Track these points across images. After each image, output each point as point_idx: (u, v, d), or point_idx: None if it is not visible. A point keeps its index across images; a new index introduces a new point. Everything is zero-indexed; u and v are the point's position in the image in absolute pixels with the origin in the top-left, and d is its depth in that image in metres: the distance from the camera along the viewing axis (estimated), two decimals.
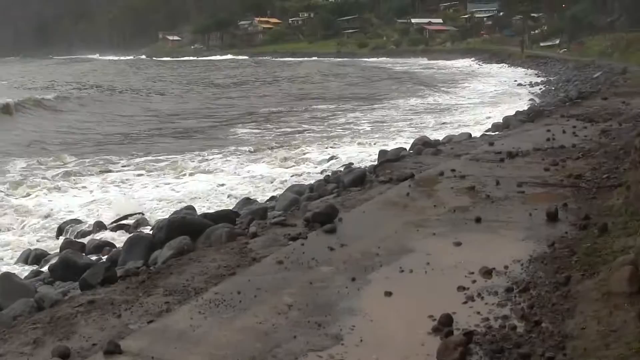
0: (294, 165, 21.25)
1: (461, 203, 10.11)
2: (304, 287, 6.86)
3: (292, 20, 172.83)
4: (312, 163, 21.46)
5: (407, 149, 19.18)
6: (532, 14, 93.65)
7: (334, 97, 48.54)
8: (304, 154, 23.26)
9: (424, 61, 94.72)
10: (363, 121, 33.26)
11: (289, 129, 31.63)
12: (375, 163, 16.62)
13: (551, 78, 53.54)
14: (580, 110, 22.55)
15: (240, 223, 10.33)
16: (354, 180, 13.14)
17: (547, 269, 7.14)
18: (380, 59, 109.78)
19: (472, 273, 7.07)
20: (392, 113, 36.70)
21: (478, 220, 9.08)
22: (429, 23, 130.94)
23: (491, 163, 13.43)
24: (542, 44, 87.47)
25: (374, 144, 24.35)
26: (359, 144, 24.94)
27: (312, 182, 15.66)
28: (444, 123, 29.68)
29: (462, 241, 8.18)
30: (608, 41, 70.00)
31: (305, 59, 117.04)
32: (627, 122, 18.88)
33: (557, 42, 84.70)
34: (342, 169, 17.61)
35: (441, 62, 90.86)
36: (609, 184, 11.09)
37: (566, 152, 14.32)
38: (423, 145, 19.31)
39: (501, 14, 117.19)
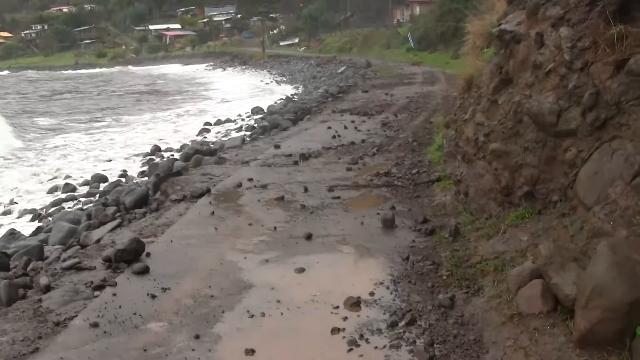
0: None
1: (278, 218, 8.68)
2: (139, 357, 4.98)
3: (25, 34, 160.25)
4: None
5: (180, 159, 17.37)
6: (270, 15, 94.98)
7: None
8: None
9: (167, 69, 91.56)
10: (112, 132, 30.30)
11: None
12: (151, 180, 14.68)
13: (297, 76, 54.05)
14: (348, 104, 22.23)
15: (15, 268, 7.99)
16: (136, 201, 11.22)
17: (421, 290, 5.96)
18: (119, 68, 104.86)
19: (337, 307, 5.67)
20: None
21: (309, 237, 7.72)
22: (168, 29, 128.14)
23: (286, 167, 12.19)
24: (282, 43, 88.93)
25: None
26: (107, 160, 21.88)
27: (83, 207, 13.26)
28: (207, 123, 27.80)
29: (303, 266, 6.77)
30: (345, 37, 72.85)
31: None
32: (401, 113, 18.75)
33: (297, 40, 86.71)
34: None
35: (185, 68, 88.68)
36: (425, 179, 10.32)
37: (359, 149, 13.51)
38: (195, 153, 17.67)
39: (239, 16, 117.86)
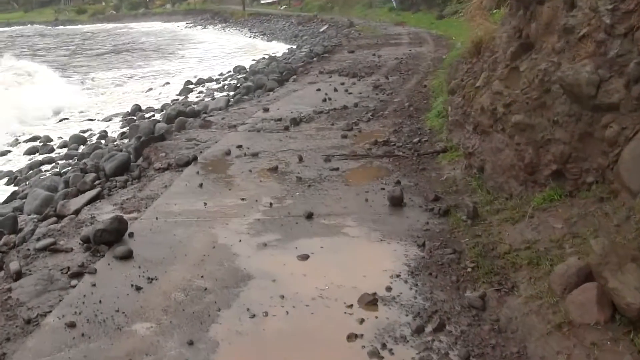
0: None
1: (273, 192, 7.91)
2: None
3: None
4: None
5: (162, 121, 16.47)
6: None
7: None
8: None
9: (146, 26, 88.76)
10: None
11: None
12: (132, 143, 13.81)
13: (279, 34, 52.76)
14: (335, 65, 21.34)
15: None
16: (117, 168, 10.46)
17: (444, 285, 5.23)
18: (101, 25, 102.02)
19: (351, 307, 4.93)
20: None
21: (309, 216, 6.95)
22: None
23: (277, 133, 11.38)
24: (262, 2, 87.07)
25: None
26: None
27: (61, 170, 12.36)
28: (188, 82, 26.67)
29: (306, 252, 6.01)
30: None
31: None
32: (392, 75, 17.93)
33: None
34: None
35: (165, 25, 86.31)
36: (429, 149, 9.57)
37: (353, 114, 12.72)
38: (178, 115, 16.76)
39: None
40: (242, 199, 7.65)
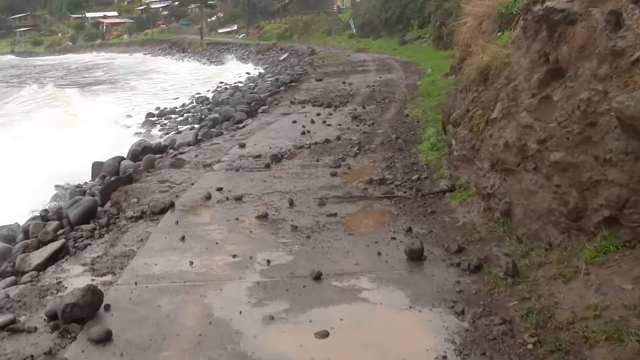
0: None
1: (268, 246, 6.85)
2: None
3: None
4: None
5: (127, 158, 15.27)
6: (209, 1, 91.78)
7: None
8: None
9: (104, 58, 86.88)
10: None
11: None
12: (95, 183, 12.65)
13: (238, 63, 51.86)
14: (305, 94, 20.42)
15: None
16: (82, 215, 9.39)
17: None
18: (58, 56, 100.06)
19: None
20: None
21: (317, 277, 5.89)
22: (104, 16, 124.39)
23: (258, 172, 10.34)
24: (220, 31, 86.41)
25: None
26: None
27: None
28: (150, 115, 25.29)
29: (324, 327, 4.95)
30: (285, 24, 70.92)
31: None
32: (368, 104, 17.07)
33: (235, 27, 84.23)
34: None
35: (121, 56, 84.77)
36: (434, 189, 8.61)
37: (337, 148, 11.75)
38: (144, 151, 15.58)
39: (177, 3, 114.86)
40: (234, 256, 6.56)
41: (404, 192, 8.61)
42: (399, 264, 6.16)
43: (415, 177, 9.27)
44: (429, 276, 5.82)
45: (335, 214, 7.79)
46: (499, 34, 8.62)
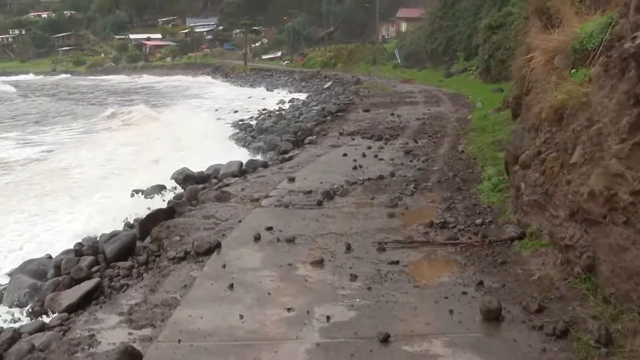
0: None
1: (326, 298, 6.34)
2: None
3: (2, 38, 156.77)
4: None
5: (171, 190, 14.92)
6: (253, 27, 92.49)
7: None
8: None
9: (144, 80, 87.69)
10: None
11: None
12: (139, 216, 12.28)
13: (281, 90, 51.75)
14: (353, 125, 19.95)
15: None
16: (120, 251, 9.00)
17: None
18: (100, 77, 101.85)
19: None
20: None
21: (385, 339, 5.32)
22: (148, 39, 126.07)
23: (310, 210, 9.85)
24: (264, 57, 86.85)
25: None
26: None
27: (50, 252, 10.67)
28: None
29: None
30: (330, 52, 70.90)
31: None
32: (420, 138, 16.53)
33: (279, 54, 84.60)
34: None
35: (163, 78, 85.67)
36: (502, 236, 8.00)
37: (392, 185, 11.22)
38: (186, 179, 15.23)
39: (221, 27, 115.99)
40: (289, 309, 6.03)
41: (469, 238, 8.02)
42: (475, 324, 5.57)
43: (479, 221, 8.66)
44: (510, 341, 5.22)
45: (397, 262, 7.23)
46: (573, 70, 8.03)
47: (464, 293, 6.24)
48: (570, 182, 6.82)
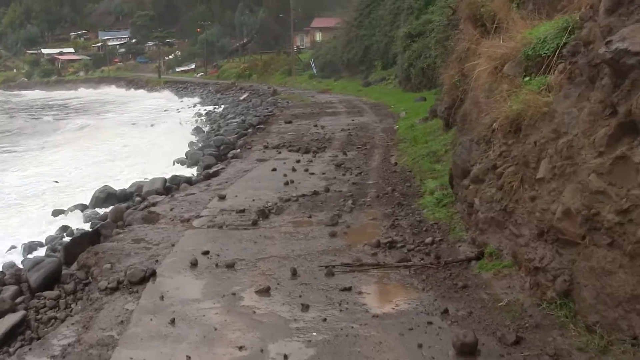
0: None
1: (280, 334, 5.65)
2: None
3: None
4: None
5: (90, 206, 13.93)
6: (166, 40, 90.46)
7: None
8: None
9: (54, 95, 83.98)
10: None
11: None
12: (57, 236, 11.34)
13: (196, 102, 50.57)
14: (277, 138, 19.28)
15: None
16: (45, 279, 8.06)
17: None
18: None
19: None
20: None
21: None
22: (61, 53, 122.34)
23: (245, 230, 9.13)
24: (178, 69, 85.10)
25: None
26: None
27: None
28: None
29: None
30: (244, 63, 70.10)
31: None
32: (348, 150, 16.03)
33: (193, 66, 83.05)
34: None
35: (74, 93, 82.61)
36: (458, 256, 7.46)
37: (328, 201, 10.61)
38: (108, 197, 14.26)
39: (134, 40, 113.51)
40: (240, 348, 5.29)
41: (422, 259, 7.45)
42: (443, 357, 4.95)
43: (428, 239, 8.11)
44: None
45: (349, 288, 6.57)
46: (527, 78, 7.59)
47: (430, 323, 5.64)
48: (535, 199, 6.35)
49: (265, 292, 6.56)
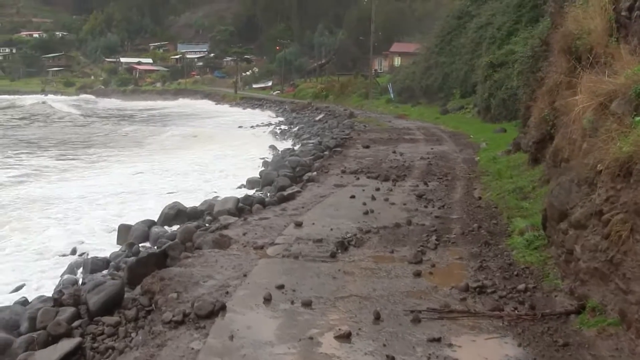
0: None
1: None
2: None
3: None
4: None
5: (159, 223, 13.77)
6: (245, 56, 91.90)
7: None
8: None
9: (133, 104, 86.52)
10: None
11: None
12: (121, 253, 11.20)
13: (272, 121, 50.73)
14: (355, 163, 18.87)
15: None
16: (105, 303, 7.74)
17: None
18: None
19: None
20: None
21: None
22: (139, 63, 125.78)
23: (323, 263, 8.71)
24: (254, 86, 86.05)
25: None
26: None
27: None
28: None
29: None
30: (321, 84, 70.19)
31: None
32: (429, 180, 15.48)
33: (270, 83, 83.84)
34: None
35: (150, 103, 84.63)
36: (555, 308, 6.86)
37: (410, 235, 10.11)
38: (178, 214, 14.10)
39: (212, 55, 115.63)
40: None
41: (515, 309, 6.88)
42: None
43: (521, 286, 7.52)
44: None
45: (438, 339, 6.07)
46: (638, 118, 6.98)
47: None
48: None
49: (345, 337, 6.11)
